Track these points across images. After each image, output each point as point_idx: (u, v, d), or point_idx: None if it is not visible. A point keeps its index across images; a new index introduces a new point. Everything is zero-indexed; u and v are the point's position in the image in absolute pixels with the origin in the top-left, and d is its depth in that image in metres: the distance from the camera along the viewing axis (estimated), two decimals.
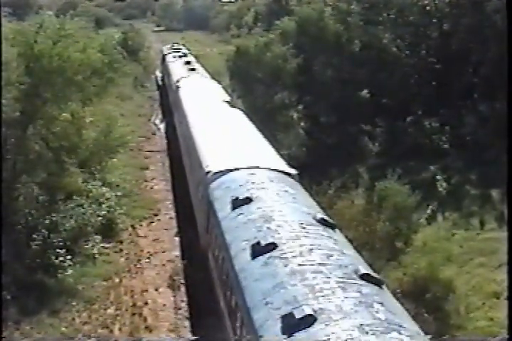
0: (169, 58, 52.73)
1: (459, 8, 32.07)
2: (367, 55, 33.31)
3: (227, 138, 20.80)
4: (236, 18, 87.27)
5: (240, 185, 15.56)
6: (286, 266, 10.85)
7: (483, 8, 30.42)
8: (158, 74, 61.87)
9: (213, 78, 40.11)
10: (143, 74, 59.34)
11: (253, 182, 15.50)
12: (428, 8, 32.74)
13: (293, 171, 17.33)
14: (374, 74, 32.05)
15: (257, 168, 16.73)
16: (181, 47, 63.85)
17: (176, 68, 44.56)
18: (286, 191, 15.02)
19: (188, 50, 62.76)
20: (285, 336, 8.94)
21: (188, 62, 46.11)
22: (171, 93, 41.33)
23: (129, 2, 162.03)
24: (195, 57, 55.23)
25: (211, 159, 18.35)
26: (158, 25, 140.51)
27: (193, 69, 41.77)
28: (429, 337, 9.59)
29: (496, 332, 15.70)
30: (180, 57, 51.23)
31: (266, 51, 33.74)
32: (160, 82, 58.16)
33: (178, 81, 36.85)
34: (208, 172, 17.21)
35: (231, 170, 16.78)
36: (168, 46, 64.59)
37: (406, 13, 33.83)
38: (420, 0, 33.11)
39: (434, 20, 32.91)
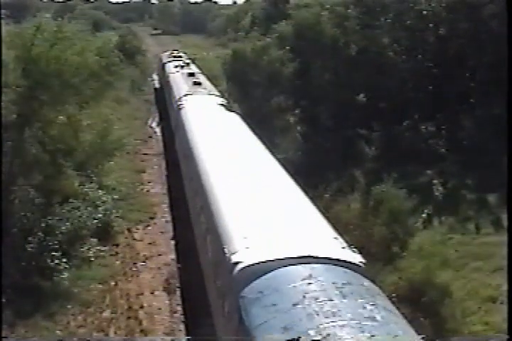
0: (169, 68, 47.02)
1: (456, 12, 32.16)
2: (364, 59, 33.35)
3: (256, 200, 13.33)
4: (233, 22, 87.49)
5: (295, 304, 8.98)
6: None
7: (479, 13, 30.50)
8: (155, 77, 61.78)
9: (219, 90, 35.32)
10: (140, 77, 59.29)
11: (316, 298, 9.03)
12: (425, 12, 32.83)
13: (358, 258, 10.70)
14: (371, 78, 32.08)
15: (310, 257, 10.16)
16: (183, 54, 58.50)
17: (178, 81, 37.96)
18: (373, 318, 8.52)
19: (186, 54, 61.99)
20: None
21: (191, 74, 39.00)
22: (171, 113, 34.27)
23: (126, 5, 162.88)
24: (193, 60, 54.90)
25: (237, 238, 11.54)
26: (155, 29, 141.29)
27: (198, 84, 34.89)
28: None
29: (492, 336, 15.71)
30: (182, 67, 45.30)
31: (263, 55, 33.81)
32: (157, 85, 57.89)
33: (180, 98, 30.04)
34: (236, 263, 10.52)
35: (272, 264, 10.08)
36: (168, 53, 59.32)
37: (403, 18, 33.90)
38: (417, 4, 33.21)
39: (430, 25, 32.97)
